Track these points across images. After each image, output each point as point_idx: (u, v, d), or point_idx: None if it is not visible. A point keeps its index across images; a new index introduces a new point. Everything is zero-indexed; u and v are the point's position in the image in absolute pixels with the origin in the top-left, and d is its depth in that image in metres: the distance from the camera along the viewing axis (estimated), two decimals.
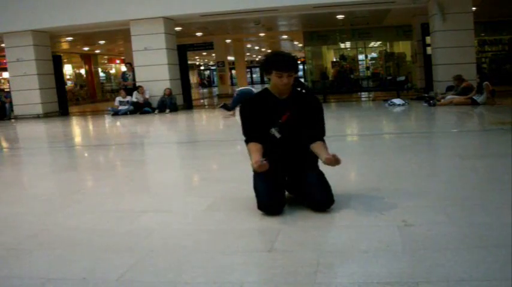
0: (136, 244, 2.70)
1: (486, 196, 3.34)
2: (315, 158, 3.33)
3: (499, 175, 3.95)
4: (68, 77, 22.87)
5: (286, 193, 3.32)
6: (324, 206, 3.05)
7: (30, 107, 14.76)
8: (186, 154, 6.85)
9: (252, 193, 3.20)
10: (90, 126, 12.40)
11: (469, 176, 4.11)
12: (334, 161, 3.02)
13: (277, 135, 3.20)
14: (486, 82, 10.46)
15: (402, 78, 16.51)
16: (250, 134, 3.27)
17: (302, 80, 21.40)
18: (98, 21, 13.96)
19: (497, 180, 3.80)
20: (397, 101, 11.89)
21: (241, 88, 12.76)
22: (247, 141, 3.29)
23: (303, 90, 3.50)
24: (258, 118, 3.25)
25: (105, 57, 27.54)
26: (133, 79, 14.74)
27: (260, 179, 3.14)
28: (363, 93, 18.70)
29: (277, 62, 3.17)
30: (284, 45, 29.64)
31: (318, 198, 3.06)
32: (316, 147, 3.22)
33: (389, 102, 12.00)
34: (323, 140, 3.29)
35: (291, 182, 3.30)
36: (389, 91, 15.51)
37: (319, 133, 3.29)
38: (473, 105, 10.20)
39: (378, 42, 22.71)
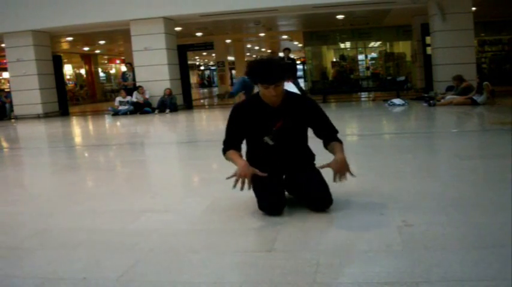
0: (137, 244, 2.70)
1: (486, 196, 3.34)
2: (312, 158, 3.32)
3: (499, 175, 3.95)
4: (68, 77, 22.88)
5: (286, 193, 3.32)
6: (323, 206, 3.05)
7: (31, 107, 14.76)
8: (186, 154, 6.86)
9: (252, 193, 3.19)
10: (90, 127, 12.40)
11: (468, 177, 4.10)
12: (339, 168, 3.03)
13: (270, 142, 3.15)
14: (486, 82, 10.46)
15: (402, 78, 16.52)
16: (231, 142, 3.22)
17: (301, 80, 21.30)
18: (98, 21, 13.95)
19: (497, 180, 3.80)
20: (397, 101, 11.89)
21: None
22: (225, 150, 3.24)
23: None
24: (246, 127, 3.18)
25: (105, 57, 27.55)
26: (134, 79, 14.75)
27: (260, 181, 3.11)
28: (362, 93, 18.70)
29: (261, 74, 3.00)
30: (284, 45, 29.60)
31: (316, 198, 3.05)
32: (331, 148, 3.21)
33: (389, 102, 12.00)
34: (338, 139, 3.24)
35: (289, 183, 3.28)
36: (389, 91, 15.52)
37: (331, 132, 3.25)
38: (473, 105, 10.21)
39: (378, 43, 22.71)
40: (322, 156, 3.33)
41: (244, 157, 3.26)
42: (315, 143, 3.39)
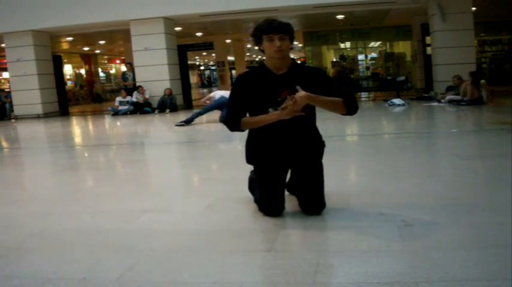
0: (137, 244, 2.70)
1: (486, 196, 3.34)
2: (320, 146, 3.10)
3: (499, 175, 3.95)
4: (68, 77, 22.87)
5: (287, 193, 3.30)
6: (313, 212, 3.00)
7: (30, 107, 14.75)
8: (186, 154, 6.85)
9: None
10: (90, 127, 12.40)
11: (468, 176, 4.11)
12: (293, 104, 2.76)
13: None
14: (483, 80, 10.52)
15: (402, 78, 16.52)
16: (239, 116, 2.96)
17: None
18: (98, 21, 13.95)
19: (497, 180, 3.79)
20: (397, 101, 11.90)
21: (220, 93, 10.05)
22: (235, 124, 2.97)
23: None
24: (249, 99, 2.96)
25: (105, 57, 27.54)
26: (134, 79, 14.76)
27: (263, 184, 3.03)
28: (362, 93, 18.70)
29: (266, 25, 2.90)
30: None
31: (307, 205, 3.01)
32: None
33: (389, 102, 12.00)
34: (347, 98, 2.95)
35: (291, 182, 3.21)
36: (389, 91, 15.52)
37: (342, 95, 2.94)
38: (476, 105, 10.21)
39: (378, 42, 22.72)
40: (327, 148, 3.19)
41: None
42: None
